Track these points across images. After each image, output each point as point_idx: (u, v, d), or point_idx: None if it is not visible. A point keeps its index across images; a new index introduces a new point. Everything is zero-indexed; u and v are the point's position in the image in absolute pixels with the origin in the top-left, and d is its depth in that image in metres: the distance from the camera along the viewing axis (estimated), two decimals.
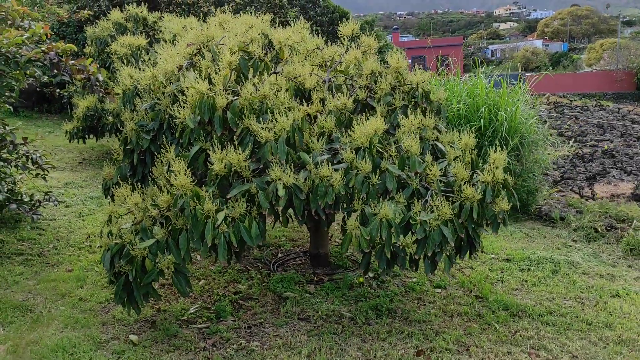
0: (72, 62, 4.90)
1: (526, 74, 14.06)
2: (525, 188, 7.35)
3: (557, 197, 8.36)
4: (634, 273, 5.43)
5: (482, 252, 4.24)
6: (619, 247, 6.17)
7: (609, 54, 41.42)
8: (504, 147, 7.09)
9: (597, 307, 4.58)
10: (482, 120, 7.36)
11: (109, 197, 4.70)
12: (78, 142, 9.54)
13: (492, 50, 62.98)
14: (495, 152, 4.05)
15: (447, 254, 3.88)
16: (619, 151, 13.20)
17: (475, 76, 8.20)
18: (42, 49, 4.86)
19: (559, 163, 11.36)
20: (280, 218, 4.04)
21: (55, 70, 5.00)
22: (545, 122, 8.98)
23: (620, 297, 4.80)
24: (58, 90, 6.34)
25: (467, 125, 7.26)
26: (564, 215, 7.19)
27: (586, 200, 8.10)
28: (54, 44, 4.70)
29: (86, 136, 9.51)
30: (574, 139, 15.29)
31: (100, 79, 5.36)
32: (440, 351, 3.83)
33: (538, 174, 7.65)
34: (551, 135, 8.61)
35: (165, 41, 5.48)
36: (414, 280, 5.12)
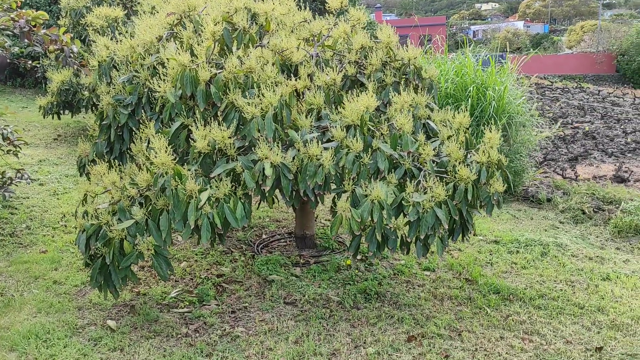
0: (44, 31, 4.60)
1: (510, 55, 13.93)
2: (512, 169, 7.26)
3: (541, 179, 8.31)
4: (623, 255, 5.38)
5: (474, 234, 4.12)
6: (607, 229, 6.13)
7: (589, 36, 41.56)
8: (493, 127, 6.98)
9: (589, 291, 4.51)
10: (470, 99, 7.21)
11: (84, 175, 4.46)
12: (53, 117, 9.19)
13: (474, 31, 62.78)
14: (490, 131, 3.91)
15: (440, 236, 3.75)
16: (599, 133, 13.23)
17: (462, 55, 8.04)
18: (12, 16, 4.55)
19: (541, 144, 11.32)
20: (267, 198, 3.85)
21: (26, 40, 4.71)
22: (533, 102, 8.89)
23: (610, 280, 4.74)
24: (30, 62, 6.00)
25: (455, 104, 7.11)
26: (550, 197, 7.13)
27: (570, 181, 8.06)
28: (23, 11, 4.40)
29: (61, 112, 9.16)
30: (555, 120, 15.30)
31: (75, 50, 5.08)
32: (432, 337, 3.72)
33: (524, 155, 7.57)
34: (537, 116, 8.51)
35: (144, 12, 5.20)
36: (402, 262, 4.99)
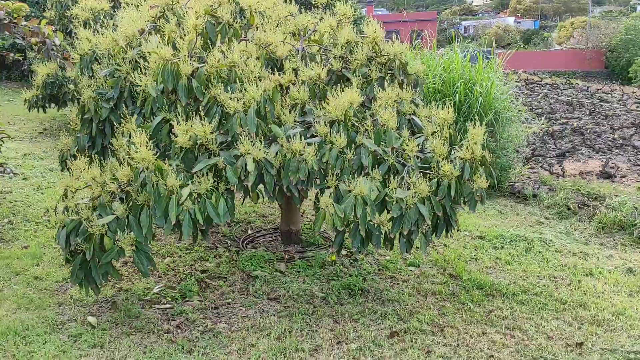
0: (24, 23, 4.54)
1: (498, 51, 13.97)
2: (499, 165, 7.28)
3: (528, 174, 8.34)
4: (606, 251, 5.41)
5: (457, 230, 4.12)
6: (591, 225, 6.16)
7: (579, 32, 41.71)
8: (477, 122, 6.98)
9: (571, 286, 4.53)
10: (457, 95, 7.21)
11: (66, 170, 4.41)
12: (38, 111, 9.08)
13: (465, 27, 62.80)
14: (474, 127, 3.90)
15: (423, 232, 3.74)
16: (587, 129, 13.30)
17: (451, 50, 8.03)
18: None
19: (529, 140, 11.36)
20: (250, 194, 3.83)
21: (6, 32, 4.64)
22: (520, 98, 8.91)
23: (593, 275, 4.77)
24: (12, 55, 5.92)
25: (442, 100, 7.11)
26: (536, 193, 7.16)
27: (557, 177, 8.10)
28: (3, 2, 4.33)
29: (47, 105, 9.04)
30: (544, 116, 15.36)
31: (57, 42, 5.01)
32: (415, 332, 3.72)
33: (511, 151, 7.59)
34: (524, 111, 8.53)
35: (127, 4, 5.13)
36: (388, 258, 4.99)
